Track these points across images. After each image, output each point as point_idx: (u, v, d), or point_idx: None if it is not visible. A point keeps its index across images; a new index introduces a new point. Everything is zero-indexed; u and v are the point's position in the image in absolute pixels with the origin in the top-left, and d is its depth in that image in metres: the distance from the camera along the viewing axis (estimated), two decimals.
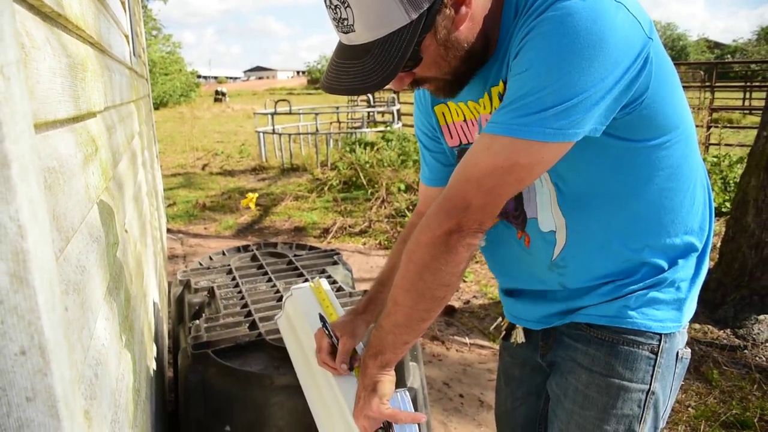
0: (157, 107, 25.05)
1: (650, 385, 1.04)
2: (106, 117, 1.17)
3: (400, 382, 1.47)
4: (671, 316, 1.03)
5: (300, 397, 1.27)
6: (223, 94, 31.71)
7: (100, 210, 0.92)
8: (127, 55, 2.25)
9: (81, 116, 0.86)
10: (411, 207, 5.71)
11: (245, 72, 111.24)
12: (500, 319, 1.29)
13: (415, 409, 1.53)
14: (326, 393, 1.21)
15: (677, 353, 1.06)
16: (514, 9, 0.91)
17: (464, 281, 4.16)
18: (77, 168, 0.74)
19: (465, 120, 1.10)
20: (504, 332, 1.28)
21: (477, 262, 4.52)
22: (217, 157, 10.29)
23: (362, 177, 6.89)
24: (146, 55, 5.39)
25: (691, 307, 1.07)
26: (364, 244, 5.16)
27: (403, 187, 6.37)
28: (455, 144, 1.15)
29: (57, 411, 0.45)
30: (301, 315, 1.36)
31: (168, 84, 28.31)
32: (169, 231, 5.46)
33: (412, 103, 13.59)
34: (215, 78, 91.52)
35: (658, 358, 1.03)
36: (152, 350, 1.74)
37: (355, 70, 0.88)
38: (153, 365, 1.67)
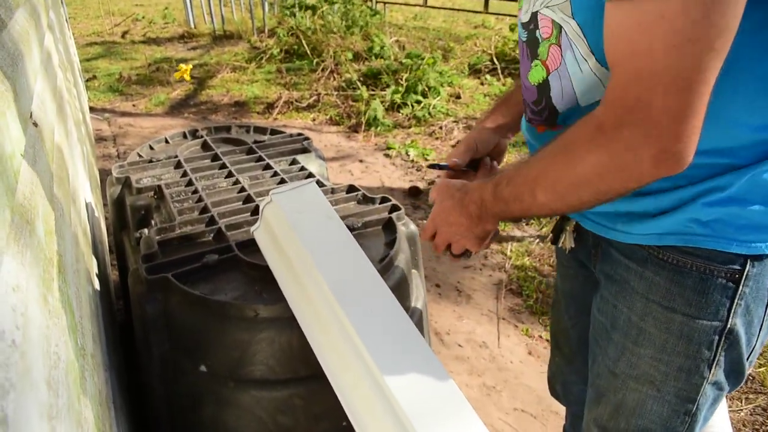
0: None
1: (727, 322, 0.79)
2: None
3: (404, 296, 1.23)
4: (763, 232, 0.75)
5: (295, 329, 1.01)
6: None
7: None
8: None
9: None
10: (361, 78, 5.26)
11: None
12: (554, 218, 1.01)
13: (419, 320, 1.32)
14: (331, 322, 0.96)
15: None
16: None
17: (426, 159, 3.91)
18: None
19: None
20: (551, 234, 1.02)
21: (437, 138, 4.25)
22: (137, 22, 9.16)
23: (305, 45, 6.27)
24: None
25: None
26: (314, 120, 4.76)
27: (350, 56, 5.85)
28: None
29: None
30: (286, 225, 1.07)
31: None
32: (92, 110, 4.83)
33: None
34: None
35: (741, 287, 0.77)
36: (92, 263, 1.42)
37: None
38: (95, 283, 1.35)
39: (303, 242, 1.01)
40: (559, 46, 0.75)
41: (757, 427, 1.78)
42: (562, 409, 1.43)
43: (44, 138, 0.99)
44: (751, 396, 1.89)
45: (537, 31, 0.78)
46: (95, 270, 1.44)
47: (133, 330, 1.23)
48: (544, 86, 0.81)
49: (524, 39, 0.83)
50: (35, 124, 0.93)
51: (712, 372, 0.83)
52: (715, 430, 1.45)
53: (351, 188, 1.46)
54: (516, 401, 1.86)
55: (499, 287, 2.49)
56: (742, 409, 1.84)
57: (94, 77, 5.97)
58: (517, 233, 2.93)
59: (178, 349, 1.10)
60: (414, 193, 3.38)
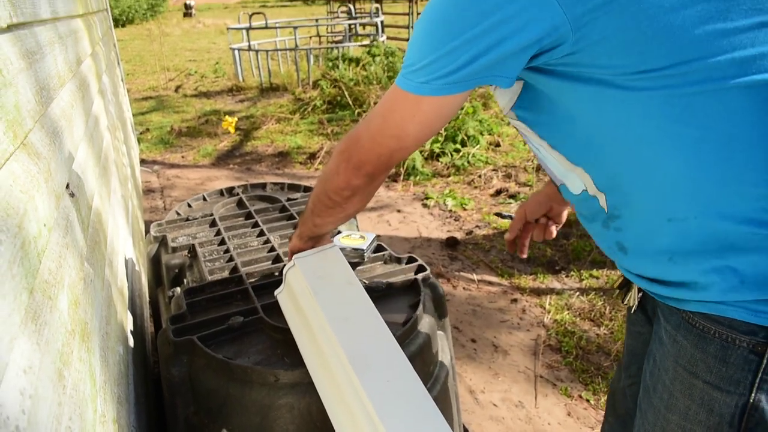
0: (123, 24, 23.56)
1: (750, 396, 0.75)
2: (20, 38, 0.81)
3: (428, 360, 1.22)
4: None
5: (314, 395, 1.01)
6: (190, 8, 29.75)
7: (9, 185, 0.60)
8: None
9: None
10: None
11: None
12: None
13: (444, 384, 1.30)
14: (347, 391, 0.95)
15: None
16: None
17: (464, 209, 3.90)
18: None
19: None
20: (618, 290, 1.03)
21: (476, 187, 4.24)
22: (190, 77, 9.66)
23: (347, 96, 6.44)
24: None
25: None
26: None
27: None
28: None
29: None
30: (306, 290, 1.08)
31: None
32: (143, 162, 5.06)
33: (396, 14, 12.77)
34: None
35: (765, 361, 0.74)
36: (126, 320, 1.46)
37: None
38: (129, 341, 1.39)
39: (322, 308, 1.02)
40: (525, 138, 0.92)
41: None
42: None
43: (81, 207, 1.04)
44: None
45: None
46: (130, 327, 1.48)
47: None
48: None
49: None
50: (72, 195, 0.98)
51: None
52: None
53: (379, 248, 1.47)
54: None
55: (537, 343, 2.42)
56: None
57: (147, 130, 6.27)
58: (557, 285, 2.86)
59: (202, 412, 1.11)
60: (451, 243, 3.36)
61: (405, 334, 1.14)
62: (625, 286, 1.03)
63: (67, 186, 0.97)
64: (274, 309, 1.19)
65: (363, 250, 1.39)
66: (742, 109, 0.68)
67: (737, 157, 0.70)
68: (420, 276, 1.34)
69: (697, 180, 0.72)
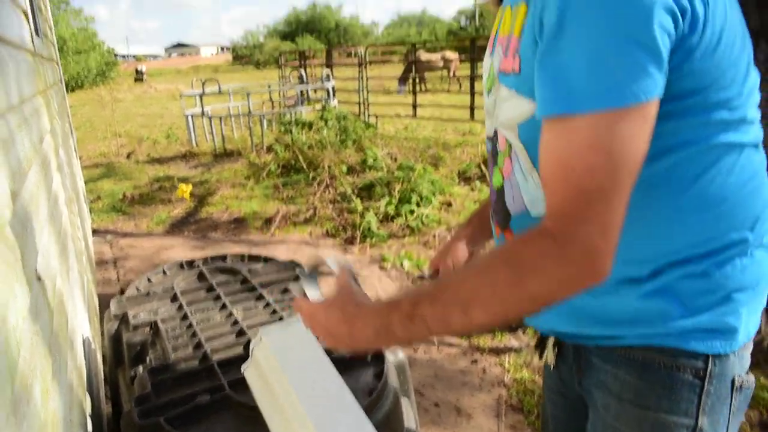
0: (72, 89, 23.39)
1: (696, 419, 0.82)
2: None
3: (395, 427, 1.24)
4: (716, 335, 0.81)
5: None
6: (141, 73, 29.84)
7: None
8: (27, 36, 1.85)
9: None
10: (356, 190, 5.45)
11: (166, 49, 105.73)
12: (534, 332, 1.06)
13: None
14: None
15: (733, 380, 0.83)
16: None
17: (420, 270, 3.97)
18: None
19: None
20: (535, 347, 1.05)
21: (431, 248, 4.32)
22: (142, 143, 9.60)
23: (301, 160, 6.54)
24: (54, 34, 4.79)
25: (750, 320, 0.83)
26: (311, 233, 4.87)
27: (345, 169, 6.08)
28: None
29: None
30: (274, 364, 1.09)
31: (82, 63, 26.34)
32: (94, 232, 4.95)
33: (346, 79, 13.08)
34: (134, 57, 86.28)
35: (706, 384, 0.81)
36: (86, 403, 1.42)
37: None
38: (88, 426, 1.35)
39: (290, 383, 1.03)
40: (510, 159, 0.86)
41: None
42: None
43: (46, 289, 1.04)
44: None
45: (497, 143, 0.90)
46: (89, 410, 1.44)
47: None
48: (501, 191, 0.91)
49: (489, 149, 0.95)
50: (39, 278, 0.99)
51: None
52: None
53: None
54: None
55: (499, 403, 2.45)
56: None
57: (99, 198, 6.16)
58: (515, 344, 2.92)
59: None
60: None
61: (372, 404, 1.17)
62: (540, 344, 1.04)
63: (35, 269, 0.97)
64: (242, 385, 1.20)
65: None
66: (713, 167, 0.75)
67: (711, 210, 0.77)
68: None
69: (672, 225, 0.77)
